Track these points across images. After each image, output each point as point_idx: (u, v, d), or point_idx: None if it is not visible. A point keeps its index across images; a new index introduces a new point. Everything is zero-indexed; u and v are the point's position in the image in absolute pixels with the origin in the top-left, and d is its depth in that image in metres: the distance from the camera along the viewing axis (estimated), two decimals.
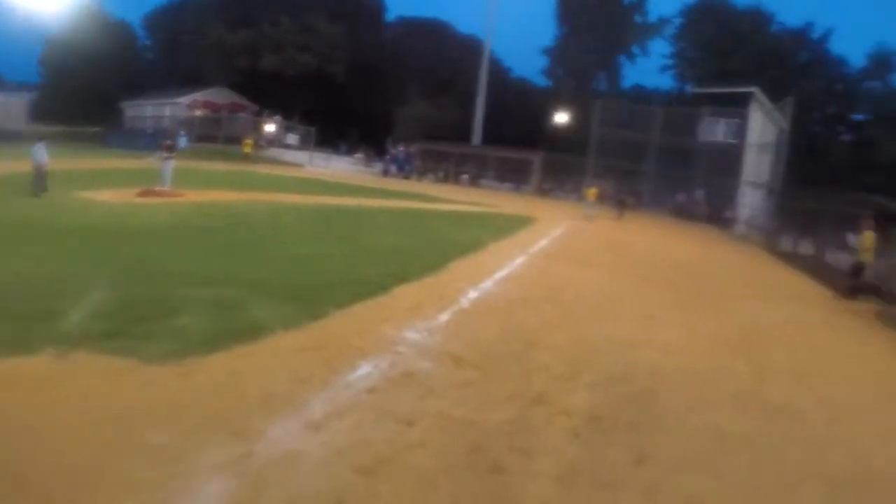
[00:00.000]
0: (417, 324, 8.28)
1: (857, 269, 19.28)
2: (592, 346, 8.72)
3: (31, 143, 19.75)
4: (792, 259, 27.26)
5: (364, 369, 6.52)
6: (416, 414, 5.61)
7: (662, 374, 7.93)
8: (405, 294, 9.84)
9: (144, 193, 20.27)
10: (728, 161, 45.65)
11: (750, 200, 45.33)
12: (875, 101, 67.13)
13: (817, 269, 23.70)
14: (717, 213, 44.44)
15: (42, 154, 18.77)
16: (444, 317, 8.86)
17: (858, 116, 70.47)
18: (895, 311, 16.85)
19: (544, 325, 9.33)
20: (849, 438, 6.84)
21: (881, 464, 6.29)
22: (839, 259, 24.18)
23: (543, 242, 19.28)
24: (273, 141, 65.42)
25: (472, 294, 10.47)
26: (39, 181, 18.55)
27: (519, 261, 14.83)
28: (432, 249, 14.58)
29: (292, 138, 66.85)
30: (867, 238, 18.97)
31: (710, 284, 17.23)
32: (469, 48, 78.43)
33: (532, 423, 5.83)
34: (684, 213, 45.49)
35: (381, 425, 5.30)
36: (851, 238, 21.54)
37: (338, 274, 10.65)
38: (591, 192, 32.48)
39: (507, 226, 22.26)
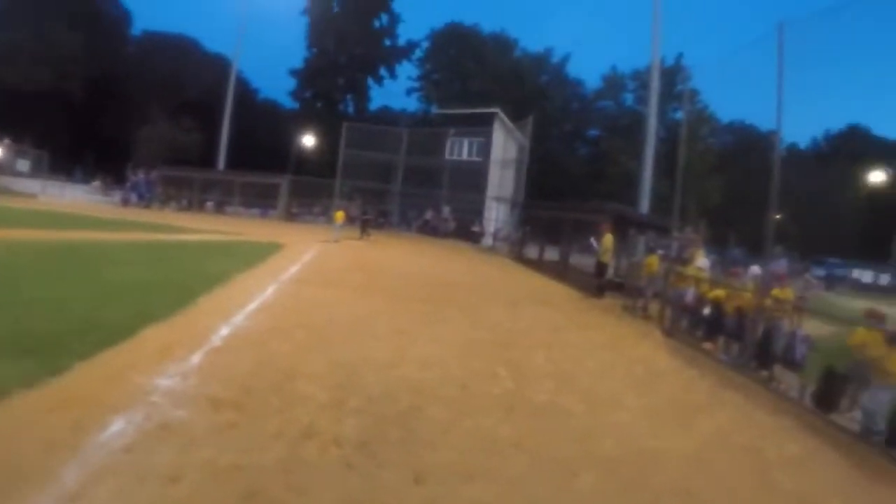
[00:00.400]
0: (169, 368, 7.31)
1: (601, 270, 20.24)
2: (351, 369, 8.17)
3: None
4: (539, 266, 28.15)
5: (117, 426, 5.59)
6: (180, 468, 4.89)
7: (425, 388, 7.69)
8: (154, 336, 8.65)
9: None
10: (473, 178, 46.99)
11: (496, 214, 46.72)
12: (608, 118, 72.31)
13: (563, 273, 24.50)
14: (465, 228, 45.21)
15: None
16: (196, 357, 7.87)
17: (594, 132, 75.28)
18: (637, 303, 17.85)
19: (301, 353, 8.65)
20: (613, 425, 7.24)
21: (646, 442, 6.81)
22: (583, 262, 25.19)
23: (293, 268, 18.10)
24: (1, 168, 58.79)
25: (224, 330, 9.48)
26: None
27: (270, 289, 13.72)
28: (179, 285, 13.01)
29: (23, 164, 59.42)
30: (607, 241, 20.12)
31: (461, 295, 17.16)
32: (216, 67, 73.15)
33: (304, 459, 5.39)
34: (433, 230, 45.94)
35: (144, 487, 4.57)
36: (593, 242, 22.45)
37: (79, 319, 9.11)
38: (339, 214, 31.72)
39: (256, 254, 20.70)
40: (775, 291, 12.23)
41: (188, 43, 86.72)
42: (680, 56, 66.07)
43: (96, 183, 59.35)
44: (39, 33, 65.69)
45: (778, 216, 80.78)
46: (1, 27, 64.29)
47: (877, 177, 62.48)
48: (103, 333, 8.26)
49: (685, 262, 16.33)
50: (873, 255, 57.82)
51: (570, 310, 16.90)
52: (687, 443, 7.15)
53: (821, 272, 44.26)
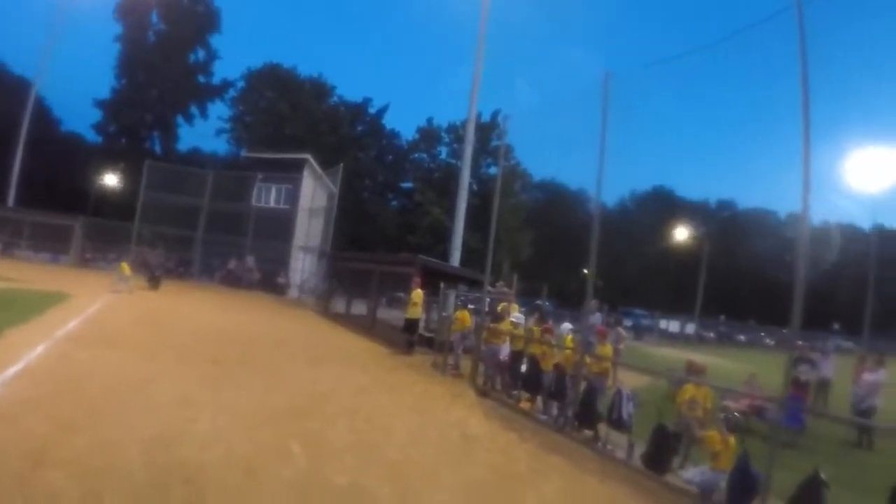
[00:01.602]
0: None
1: (410, 325, 19.33)
2: (118, 451, 6.74)
3: None
4: (346, 320, 27.01)
5: None
6: None
7: (203, 474, 6.38)
8: None
9: None
10: (280, 226, 45.39)
11: (302, 265, 45.43)
12: (422, 170, 72.85)
13: (371, 328, 23.61)
14: (269, 279, 43.43)
15: None
16: None
17: (407, 184, 75.54)
18: (448, 360, 16.97)
19: (60, 431, 7.09)
20: None
21: None
22: (392, 316, 24.34)
23: (73, 323, 16.01)
24: None
25: None
26: None
27: (40, 349, 11.77)
28: None
29: None
30: (416, 295, 19.29)
31: (259, 354, 15.67)
32: (16, 90, 67.68)
33: None
34: (236, 280, 43.71)
35: None
36: (403, 296, 21.39)
37: None
38: (124, 266, 29.45)
39: (35, 305, 18.32)
40: (598, 349, 11.75)
41: None
42: (496, 112, 67.65)
43: None
44: None
45: (586, 270, 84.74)
46: None
47: (681, 234, 68.06)
48: None
49: (499, 317, 15.58)
50: (678, 307, 61.24)
51: (377, 368, 15.81)
52: None
53: (628, 322, 45.71)
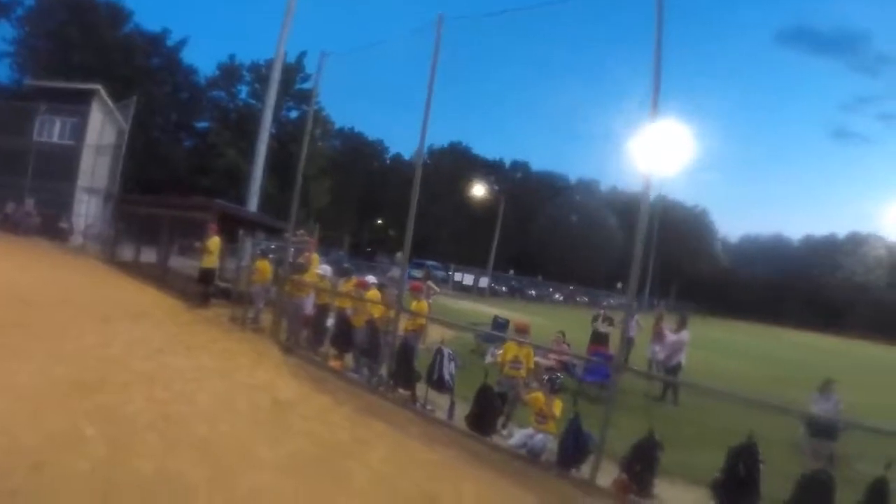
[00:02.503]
0: None
1: (206, 275, 18.37)
2: None
3: None
4: (135, 269, 25.14)
5: None
6: None
7: None
8: None
9: None
10: (65, 164, 41.57)
11: (87, 208, 41.84)
12: (219, 109, 70.01)
13: (163, 278, 22.16)
14: (51, 224, 39.30)
15: None
16: None
17: (202, 124, 72.53)
18: (247, 313, 16.32)
19: None
20: (251, 498, 5.81)
21: None
22: (185, 265, 23.21)
23: None
24: None
25: None
26: None
27: None
28: None
29: None
30: (213, 243, 18.18)
31: (39, 315, 13.47)
32: None
33: None
34: (13, 226, 38.83)
35: None
36: (198, 244, 20.40)
37: None
38: None
39: None
40: (413, 304, 11.40)
41: None
42: (303, 54, 65.89)
43: None
44: None
45: (380, 221, 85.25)
46: None
47: (479, 190, 69.91)
48: None
49: (301, 268, 14.91)
50: (471, 261, 62.94)
51: (172, 324, 14.66)
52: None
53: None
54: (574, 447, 7.62)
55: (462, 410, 9.19)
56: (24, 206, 40.42)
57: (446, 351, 9.77)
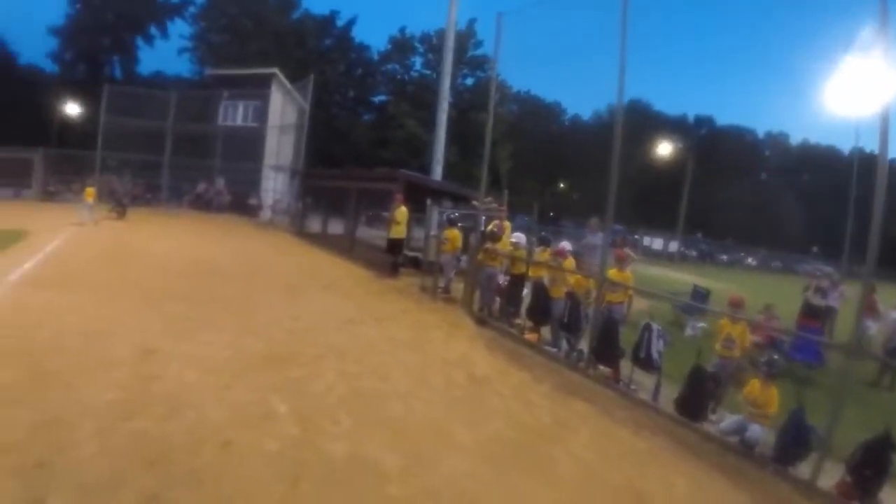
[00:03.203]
0: None
1: (394, 245, 18.06)
2: (67, 432, 5.44)
3: None
4: (323, 241, 25.55)
5: None
6: None
7: (168, 454, 5.18)
8: None
9: None
10: (250, 145, 43.49)
11: (274, 185, 43.69)
12: (394, 82, 70.98)
13: (351, 249, 22.19)
14: (241, 201, 41.82)
15: None
16: None
17: (379, 98, 73.86)
18: (437, 283, 15.67)
19: None
20: (449, 489, 5.26)
21: None
22: (372, 234, 23.12)
23: (28, 264, 14.52)
24: None
25: None
26: None
27: None
28: None
29: None
30: (400, 213, 17.82)
31: (231, 287, 14.12)
32: None
33: None
34: (206, 205, 42.10)
35: None
36: (386, 215, 19.91)
37: None
38: (89, 191, 27.50)
39: None
40: (612, 272, 10.12)
41: None
42: (473, 21, 65.51)
43: None
44: None
45: (563, 185, 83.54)
46: None
47: (662, 149, 64.11)
48: None
49: (493, 236, 14.12)
50: (656, 223, 60.10)
51: (362, 294, 14.46)
52: (561, 497, 5.40)
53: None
54: (795, 441, 6.58)
55: (669, 391, 8.26)
56: (214, 185, 43.13)
57: (655, 327, 8.74)
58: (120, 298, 11.41)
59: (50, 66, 73.70)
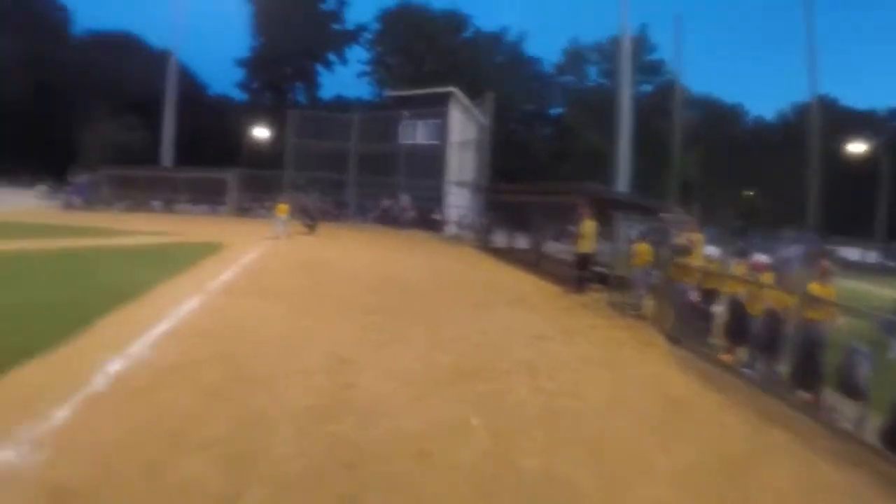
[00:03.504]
0: (20, 431, 5.42)
1: (581, 260, 17.95)
2: (267, 427, 6.04)
3: None
4: (508, 255, 25.75)
5: None
6: None
7: (366, 459, 5.51)
8: (19, 379, 6.77)
9: None
10: (432, 162, 44.66)
11: (457, 200, 44.17)
12: (570, 93, 70.75)
13: (537, 264, 22.19)
14: (425, 217, 42.70)
15: None
16: (61, 413, 5.93)
17: (556, 111, 73.69)
18: (627, 299, 15.44)
19: (203, 403, 6.47)
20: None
21: None
22: (558, 250, 22.78)
23: (227, 274, 15.79)
24: None
25: (114, 366, 7.42)
26: None
27: (191, 304, 11.45)
28: (78, 304, 10.77)
29: None
30: (587, 226, 17.78)
31: (421, 299, 14.64)
32: (161, 63, 71.61)
33: None
34: (392, 220, 43.33)
35: None
36: (572, 229, 19.63)
37: None
38: (281, 208, 29.26)
39: (189, 258, 18.44)
40: (813, 287, 9.53)
41: (131, 40, 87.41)
42: (644, 26, 64.60)
43: (41, 187, 58.35)
44: None
45: (749, 192, 79.76)
46: None
47: (857, 147, 58.70)
48: None
49: (683, 250, 13.79)
50: (848, 231, 55.44)
51: (550, 310, 14.47)
52: None
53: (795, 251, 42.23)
54: None
55: (872, 420, 7.68)
56: (399, 201, 44.16)
57: (862, 349, 8.11)
58: (314, 309, 12.17)
59: (238, 95, 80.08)
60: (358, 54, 77.98)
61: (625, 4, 27.54)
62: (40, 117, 73.98)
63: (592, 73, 71.08)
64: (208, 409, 6.34)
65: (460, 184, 44.22)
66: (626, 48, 27.97)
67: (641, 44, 63.74)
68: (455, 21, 74.46)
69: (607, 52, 65.19)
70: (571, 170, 54.12)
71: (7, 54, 69.55)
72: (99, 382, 6.86)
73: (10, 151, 68.61)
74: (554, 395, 7.87)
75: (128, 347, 8.24)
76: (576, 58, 71.19)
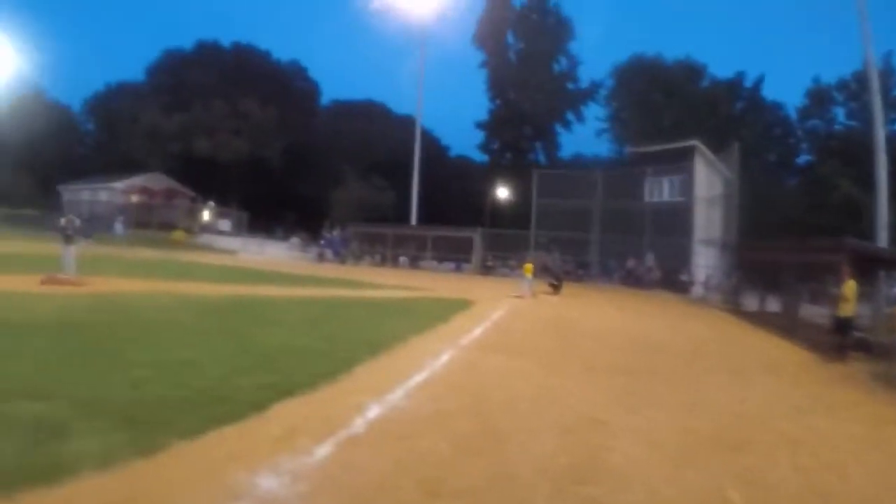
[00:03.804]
0: (283, 462, 5.86)
1: (843, 325, 16.73)
2: (523, 485, 5.99)
3: None
4: (759, 319, 24.78)
5: None
6: None
7: None
8: (282, 415, 7.34)
9: (47, 280, 18.90)
10: (677, 220, 43.67)
11: (704, 260, 42.90)
12: (817, 138, 67.06)
13: (791, 329, 21.03)
14: (670, 277, 41.91)
15: None
16: (323, 450, 6.32)
17: (802, 158, 70.31)
18: (889, 368, 14.50)
19: (459, 454, 6.59)
20: None
21: None
22: (814, 313, 21.75)
23: (476, 331, 16.46)
24: (207, 227, 65.28)
25: (373, 411, 7.85)
26: None
27: (443, 358, 12.03)
28: (337, 349, 11.84)
29: (226, 224, 67.09)
30: (848, 287, 16.49)
31: (669, 363, 14.37)
32: (405, 128, 76.55)
33: None
34: (635, 280, 43.06)
35: None
36: (833, 290, 18.36)
37: (205, 386, 8.27)
38: (527, 267, 29.93)
39: (439, 312, 19.45)
40: None
41: (375, 107, 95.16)
42: (889, 53, 60.11)
43: (294, 240, 64.94)
44: (235, 110, 76.51)
45: None
46: (201, 106, 75.09)
47: None
48: (223, 407, 7.37)
49: None
50: None
51: (809, 380, 13.81)
52: None
53: None
54: None
55: None
56: (644, 261, 44.08)
57: None
58: (563, 368, 12.35)
59: (478, 156, 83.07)
60: (595, 111, 78.63)
61: (866, 33, 26.17)
62: (293, 177, 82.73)
63: (839, 115, 67.10)
64: (463, 459, 6.50)
65: (706, 242, 43.23)
66: (874, 84, 26.51)
67: (889, 76, 58.92)
68: (690, 70, 73.13)
69: (852, 90, 62.23)
70: (826, 223, 50.53)
71: (265, 121, 78.52)
72: (358, 424, 7.34)
73: (265, 206, 76.11)
74: (816, 473, 7.35)
75: (385, 394, 8.81)
76: (819, 99, 67.34)
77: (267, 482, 5.43)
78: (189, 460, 5.79)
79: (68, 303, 15.45)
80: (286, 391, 8.28)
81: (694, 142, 44.86)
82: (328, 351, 11.58)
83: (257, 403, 7.56)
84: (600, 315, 24.69)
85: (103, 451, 5.60)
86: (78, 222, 23.45)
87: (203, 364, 9.64)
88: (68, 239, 20.58)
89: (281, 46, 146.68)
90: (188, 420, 6.74)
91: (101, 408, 6.95)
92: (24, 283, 18.01)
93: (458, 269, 50.90)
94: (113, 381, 8.22)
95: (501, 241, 51.23)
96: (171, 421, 6.66)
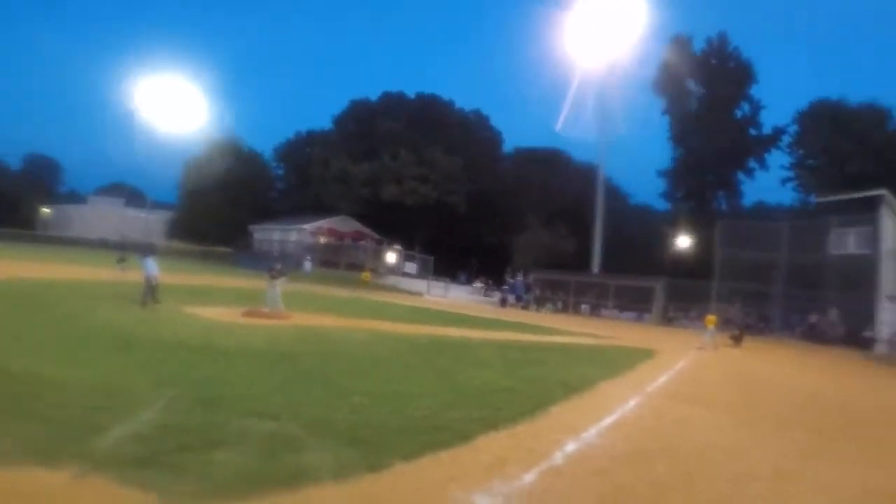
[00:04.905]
0: (494, 486, 6.57)
1: None
2: None
3: (159, 257, 23.63)
4: None
5: None
6: None
7: None
8: (489, 445, 8.14)
9: (250, 313, 20.99)
10: (861, 274, 41.82)
11: (891, 316, 40.50)
12: None
13: None
14: (854, 334, 40.33)
15: (152, 267, 21.03)
16: (529, 477, 7.01)
17: None
18: None
19: (654, 492, 7.14)
20: None
21: None
22: None
23: (662, 379, 17.14)
24: (393, 269, 68.53)
25: (570, 447, 8.57)
26: (148, 292, 20.56)
27: (632, 403, 12.79)
28: (533, 389, 12.79)
29: (411, 267, 69.78)
30: None
31: (855, 423, 14.07)
32: (586, 176, 78.64)
33: None
34: (817, 336, 41.65)
35: None
36: None
37: (417, 417, 9.23)
38: (710, 319, 30.63)
39: (624, 360, 20.37)
40: None
41: (558, 156, 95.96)
42: None
43: (477, 284, 67.46)
44: (421, 157, 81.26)
45: None
46: (388, 154, 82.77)
47: None
48: (436, 435, 8.16)
49: None
50: None
51: None
52: None
53: None
54: None
55: None
56: (827, 316, 42.77)
57: None
58: (751, 422, 12.45)
59: (659, 204, 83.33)
60: (778, 158, 76.83)
61: None
62: (477, 222, 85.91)
63: None
64: (662, 497, 6.92)
65: (893, 298, 41.50)
66: None
67: None
68: (875, 114, 69.05)
69: None
70: None
71: (450, 168, 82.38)
72: (557, 457, 7.87)
73: (449, 250, 79.62)
74: None
75: (581, 432, 9.34)
76: None
77: (483, 501, 6.10)
78: (412, 478, 6.54)
79: (274, 334, 17.10)
80: (491, 425, 9.00)
81: (882, 191, 43.14)
82: (525, 391, 12.49)
83: (465, 434, 8.33)
84: (783, 370, 24.99)
85: (336, 465, 6.44)
86: (280, 265, 26.25)
87: (414, 396, 10.62)
88: (274, 276, 22.93)
89: (463, 97, 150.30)
90: (407, 444, 7.51)
91: (327, 428, 7.85)
92: (229, 315, 20.17)
93: (638, 319, 51.18)
94: (334, 405, 9.25)
95: (682, 292, 51.01)
96: (392, 444, 7.46)
